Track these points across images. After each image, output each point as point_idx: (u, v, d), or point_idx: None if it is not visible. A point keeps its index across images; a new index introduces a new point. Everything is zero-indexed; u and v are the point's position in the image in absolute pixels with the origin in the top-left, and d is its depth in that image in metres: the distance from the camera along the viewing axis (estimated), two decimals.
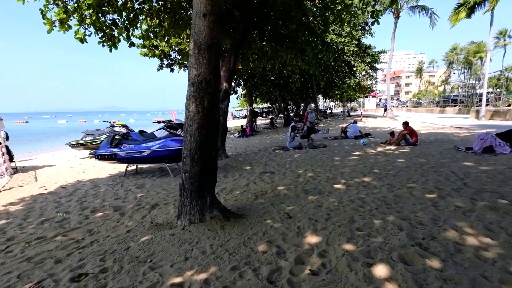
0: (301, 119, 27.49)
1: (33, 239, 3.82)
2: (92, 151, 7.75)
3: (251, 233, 3.39)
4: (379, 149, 9.26)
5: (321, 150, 9.83)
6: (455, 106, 32.26)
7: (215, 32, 3.69)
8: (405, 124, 9.82)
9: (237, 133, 19.00)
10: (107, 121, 13.58)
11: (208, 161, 3.80)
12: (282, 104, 23.87)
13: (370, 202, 4.20)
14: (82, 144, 12.06)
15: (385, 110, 28.36)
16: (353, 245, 2.93)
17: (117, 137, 7.64)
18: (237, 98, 20.20)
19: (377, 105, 48.65)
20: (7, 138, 12.53)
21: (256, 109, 35.32)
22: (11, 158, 10.17)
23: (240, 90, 20.24)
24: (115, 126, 11.90)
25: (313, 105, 26.87)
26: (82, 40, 7.73)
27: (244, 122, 24.97)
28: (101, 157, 7.36)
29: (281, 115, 34.96)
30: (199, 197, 3.73)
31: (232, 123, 36.43)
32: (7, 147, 10.09)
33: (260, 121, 36.42)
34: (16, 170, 9.68)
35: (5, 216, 4.94)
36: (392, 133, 10.40)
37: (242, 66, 16.14)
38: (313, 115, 12.50)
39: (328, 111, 43.13)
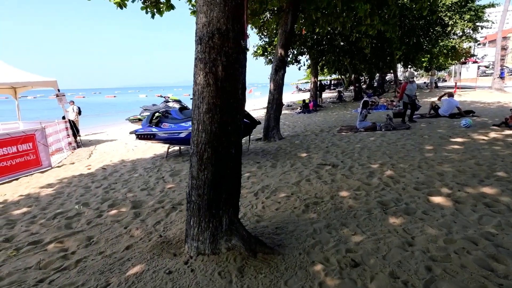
0: (375, 91, 23.80)
1: (26, 245, 3.16)
2: (133, 130, 7.33)
3: None
4: (493, 134, 6.59)
5: (402, 134, 7.58)
6: None
7: None
8: None
9: (299, 108, 17.20)
10: (162, 96, 13.35)
11: (225, 162, 2.43)
12: (353, 75, 20.77)
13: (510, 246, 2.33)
14: (139, 120, 12.10)
15: (502, 78, 21.92)
16: None
17: (157, 114, 6.88)
18: (299, 69, 17.96)
19: (482, 74, 39.43)
20: (79, 112, 13.40)
21: (322, 82, 32.37)
22: (76, 133, 10.64)
23: (303, 59, 18.04)
24: (168, 102, 11.51)
25: (414, 72, 22.58)
26: (121, 5, 6.96)
27: (308, 95, 22.81)
28: (141, 137, 6.74)
29: (351, 88, 31.28)
30: (211, 217, 2.44)
31: (296, 97, 34.32)
32: (72, 122, 10.55)
33: (326, 94, 33.40)
34: (79, 145, 10.02)
35: (30, 202, 4.57)
36: None
37: (305, 30, 13.99)
38: (414, 86, 9.53)
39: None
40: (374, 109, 13.50)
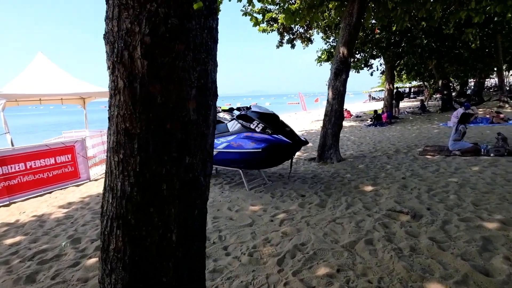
0: (470, 100, 19.26)
1: None
2: None
3: None
4: None
5: None
6: None
7: None
8: None
9: (369, 120, 14.77)
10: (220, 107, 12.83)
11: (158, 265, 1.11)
12: (441, 81, 17.12)
13: None
14: None
15: None
16: None
17: None
18: (371, 74, 15.46)
19: None
20: None
21: (400, 89, 28.39)
22: None
23: (377, 63, 15.62)
24: (219, 112, 10.80)
25: None
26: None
27: (382, 105, 19.90)
28: None
29: (437, 96, 26.54)
30: None
31: (368, 107, 30.91)
32: None
33: (404, 103, 29.16)
34: None
35: (34, 226, 4.03)
36: None
37: (378, 29, 11.82)
38: None
39: None
40: (471, 123, 10.45)
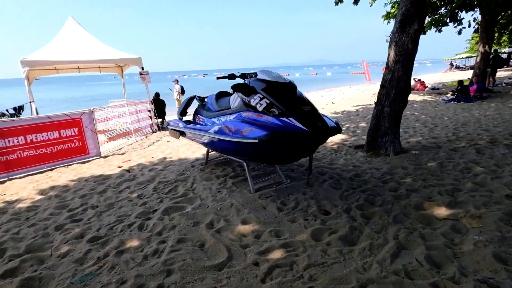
0: None
1: None
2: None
3: None
4: None
5: None
6: None
7: None
8: None
9: (450, 93, 11.52)
10: (246, 75, 11.20)
11: None
12: None
13: None
14: None
15: None
16: None
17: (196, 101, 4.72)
18: (459, 33, 11.62)
19: None
20: (182, 92, 13.17)
21: (500, 54, 22.40)
22: (162, 114, 10.06)
23: (469, 20, 11.72)
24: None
25: None
26: None
27: (469, 74, 15.74)
28: (174, 132, 4.78)
29: None
30: None
31: (447, 77, 25.56)
32: (160, 104, 9.97)
33: (502, 72, 23.11)
34: (160, 128, 9.31)
35: (15, 213, 3.34)
36: None
37: None
38: None
39: None
40: None
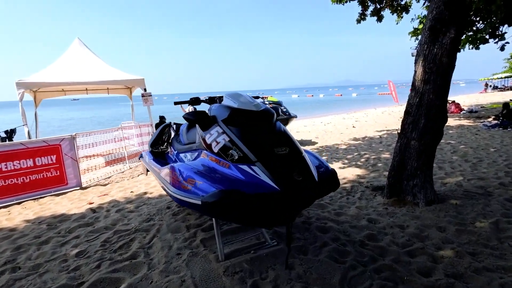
0: None
1: None
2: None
3: None
4: None
5: None
6: None
7: None
8: None
9: (492, 117, 9.97)
10: (258, 97, 10.39)
11: None
12: None
13: None
14: None
15: None
16: None
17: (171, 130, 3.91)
18: (502, 49, 10.18)
19: None
20: None
21: None
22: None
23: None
24: (264, 103, 8.46)
25: None
26: None
27: (510, 95, 13.89)
28: (143, 166, 3.96)
29: None
30: None
31: (484, 99, 23.31)
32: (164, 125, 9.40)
33: None
34: None
35: None
36: None
37: None
38: None
39: None
40: None
